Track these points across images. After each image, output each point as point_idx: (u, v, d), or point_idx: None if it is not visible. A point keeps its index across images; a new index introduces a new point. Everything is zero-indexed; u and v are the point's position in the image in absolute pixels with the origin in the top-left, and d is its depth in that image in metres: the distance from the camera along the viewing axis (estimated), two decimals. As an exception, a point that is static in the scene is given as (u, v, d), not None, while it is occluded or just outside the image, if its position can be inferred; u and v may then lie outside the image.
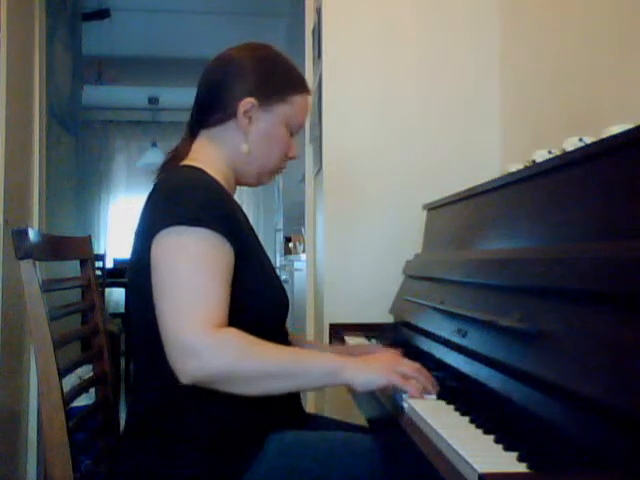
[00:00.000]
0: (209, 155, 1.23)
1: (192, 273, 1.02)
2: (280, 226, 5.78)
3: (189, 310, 0.99)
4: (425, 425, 0.90)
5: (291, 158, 1.30)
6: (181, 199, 1.08)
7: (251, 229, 1.21)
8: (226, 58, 1.25)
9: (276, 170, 1.30)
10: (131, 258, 1.15)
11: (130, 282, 1.19)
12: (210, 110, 1.23)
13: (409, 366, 1.07)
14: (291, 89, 1.24)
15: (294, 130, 1.27)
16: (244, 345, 1.01)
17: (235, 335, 1.00)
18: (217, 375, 0.98)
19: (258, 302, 1.14)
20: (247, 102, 1.20)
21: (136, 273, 1.13)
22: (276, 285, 1.23)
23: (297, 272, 3.76)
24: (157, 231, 1.04)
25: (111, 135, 7.44)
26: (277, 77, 1.24)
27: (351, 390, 1.07)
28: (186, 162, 1.22)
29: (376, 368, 1.04)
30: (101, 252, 6.06)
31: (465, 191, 1.52)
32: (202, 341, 0.97)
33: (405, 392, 1.02)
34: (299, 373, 1.03)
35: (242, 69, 1.22)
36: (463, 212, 1.56)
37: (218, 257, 1.05)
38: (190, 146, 1.26)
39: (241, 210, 1.21)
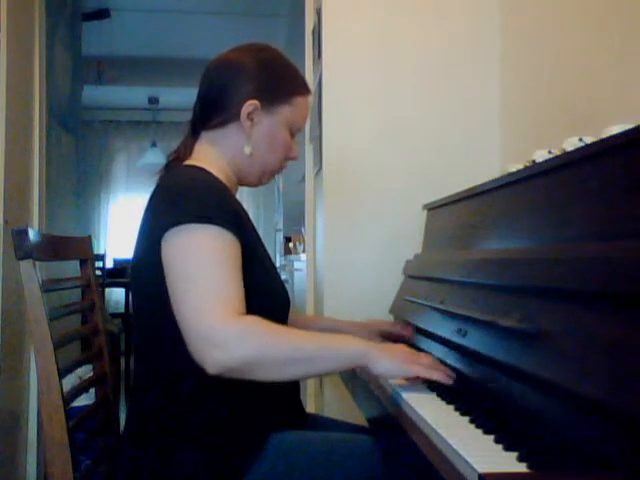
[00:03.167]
0: (211, 156, 1.23)
1: (207, 266, 1.02)
2: (280, 226, 5.79)
3: (209, 302, 0.99)
4: (425, 425, 0.90)
5: (292, 159, 1.30)
6: (186, 198, 1.08)
7: (253, 228, 1.21)
8: (228, 60, 1.25)
9: (277, 171, 1.30)
10: (133, 258, 1.15)
11: (132, 282, 1.18)
12: (212, 112, 1.23)
13: (427, 358, 1.10)
14: (294, 91, 1.25)
15: (295, 131, 1.28)
16: (269, 332, 1.01)
17: (259, 322, 1.00)
18: (245, 363, 0.98)
19: (260, 300, 1.14)
20: (250, 104, 1.20)
21: (139, 273, 1.13)
22: (278, 284, 1.23)
23: (297, 272, 3.76)
24: (165, 230, 1.04)
25: (111, 135, 7.44)
26: (280, 79, 1.24)
27: (365, 376, 1.10)
28: (188, 162, 1.22)
29: (398, 359, 1.06)
30: (101, 252, 6.05)
31: (465, 191, 1.52)
32: (227, 331, 0.97)
33: (437, 381, 1.06)
34: (324, 357, 1.03)
35: (245, 71, 1.21)
36: (463, 212, 1.56)
37: (229, 251, 1.05)
38: (192, 147, 1.26)
39: (243, 209, 1.21)
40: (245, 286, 1.08)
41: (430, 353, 1.25)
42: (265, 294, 1.16)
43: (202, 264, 1.02)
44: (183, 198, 1.08)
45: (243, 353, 0.97)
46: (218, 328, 0.97)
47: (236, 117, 1.21)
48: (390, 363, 1.05)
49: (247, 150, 1.22)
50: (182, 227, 1.04)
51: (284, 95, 1.23)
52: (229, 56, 1.25)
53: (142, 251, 1.12)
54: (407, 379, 1.11)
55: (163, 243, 1.05)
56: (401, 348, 1.14)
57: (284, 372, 1.01)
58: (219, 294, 1.00)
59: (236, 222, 1.09)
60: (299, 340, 1.03)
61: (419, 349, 1.42)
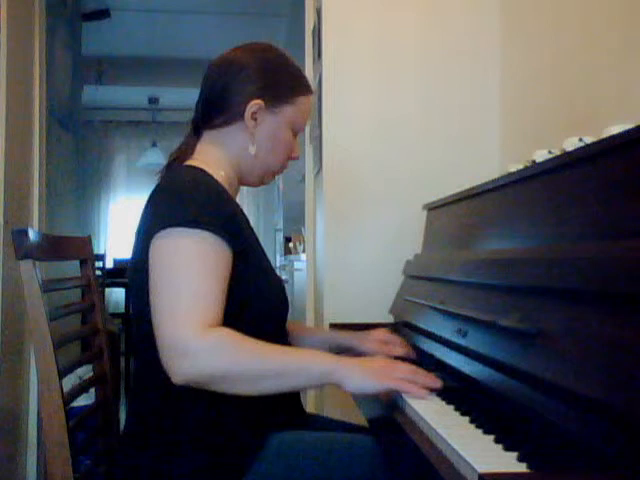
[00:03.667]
0: (213, 156, 1.23)
1: (188, 274, 1.02)
2: (280, 226, 5.79)
3: (183, 311, 0.99)
4: (425, 425, 0.90)
5: (293, 158, 1.30)
6: (180, 200, 1.08)
7: (251, 230, 1.21)
8: (231, 59, 1.24)
9: (279, 171, 1.30)
10: (131, 258, 1.16)
11: (130, 282, 1.19)
12: (215, 111, 1.23)
13: (404, 370, 1.06)
14: (297, 91, 1.25)
15: (298, 131, 1.28)
16: (238, 346, 1.01)
17: (228, 335, 1.00)
18: (210, 376, 0.99)
19: (258, 303, 1.14)
20: (254, 104, 1.20)
21: (136, 273, 1.13)
22: (276, 286, 1.23)
23: (297, 272, 3.76)
24: (155, 232, 1.04)
25: (111, 135, 7.44)
26: (284, 79, 1.24)
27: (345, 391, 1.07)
28: (189, 162, 1.22)
29: (371, 373, 1.03)
30: (101, 252, 6.06)
31: (465, 191, 1.52)
32: (196, 342, 0.97)
33: (405, 393, 1.02)
34: (293, 373, 1.02)
35: (248, 71, 1.21)
36: (463, 212, 1.56)
37: (215, 258, 1.05)
38: (194, 147, 1.26)
39: (242, 211, 1.21)
40: (242, 289, 1.08)
41: (434, 362, 1.24)
42: (263, 298, 1.16)
43: (184, 271, 1.02)
44: (177, 200, 1.08)
45: (211, 366, 0.98)
46: (189, 340, 0.97)
47: (239, 117, 1.21)
48: (361, 379, 1.02)
49: (252, 150, 1.22)
50: (171, 230, 1.03)
51: (287, 95, 1.23)
52: (231, 55, 1.25)
53: (138, 251, 1.12)
54: (385, 393, 1.06)
55: (151, 244, 1.05)
56: (377, 361, 1.11)
57: (252, 387, 1.01)
58: (196, 304, 1.00)
59: (230, 225, 1.09)
60: (269, 356, 1.02)
61: (419, 350, 1.42)
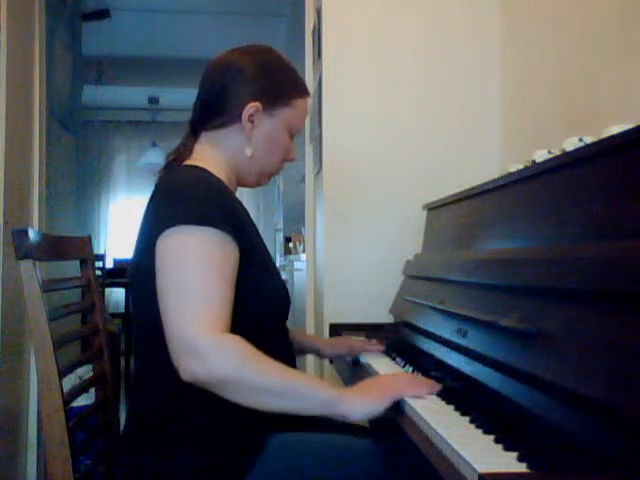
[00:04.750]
0: (212, 157, 1.23)
1: (197, 273, 1.02)
2: (280, 226, 5.79)
3: (193, 310, 0.99)
4: (425, 425, 0.90)
5: (290, 160, 1.31)
6: (185, 198, 1.08)
7: (254, 228, 1.22)
8: (228, 61, 1.25)
9: (275, 172, 1.31)
10: (133, 257, 1.15)
11: (132, 281, 1.18)
12: (213, 113, 1.23)
13: (403, 382, 1.07)
14: (294, 93, 1.25)
15: (295, 132, 1.28)
16: (248, 355, 1.00)
17: (240, 343, 1.00)
18: (217, 378, 0.98)
19: (260, 300, 1.14)
20: (252, 107, 1.20)
21: (138, 272, 1.13)
22: (278, 283, 1.23)
23: (297, 272, 3.76)
24: (162, 230, 1.04)
25: (111, 135, 7.45)
26: (281, 82, 1.25)
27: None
28: (189, 162, 1.22)
29: (371, 397, 1.03)
30: (101, 252, 6.06)
31: (465, 191, 1.52)
32: (207, 343, 0.97)
33: (407, 397, 1.02)
34: (296, 396, 1.01)
35: (245, 73, 1.22)
36: (463, 212, 1.56)
37: (223, 256, 1.05)
38: (192, 147, 1.26)
39: (244, 210, 1.21)
40: (245, 286, 1.08)
41: (433, 373, 1.24)
42: (266, 294, 1.16)
43: (192, 270, 1.02)
44: (182, 198, 1.08)
45: (220, 369, 0.97)
46: (201, 339, 0.97)
47: (237, 119, 1.21)
48: (363, 406, 1.01)
49: (248, 151, 1.23)
50: (178, 228, 1.03)
51: (285, 97, 1.24)
52: (229, 58, 1.25)
53: (141, 251, 1.12)
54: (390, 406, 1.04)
55: (158, 242, 1.05)
56: (375, 381, 1.10)
57: (253, 399, 1.00)
58: (204, 303, 1.00)
59: (235, 222, 1.09)
60: (277, 373, 1.02)
61: (419, 350, 1.42)
